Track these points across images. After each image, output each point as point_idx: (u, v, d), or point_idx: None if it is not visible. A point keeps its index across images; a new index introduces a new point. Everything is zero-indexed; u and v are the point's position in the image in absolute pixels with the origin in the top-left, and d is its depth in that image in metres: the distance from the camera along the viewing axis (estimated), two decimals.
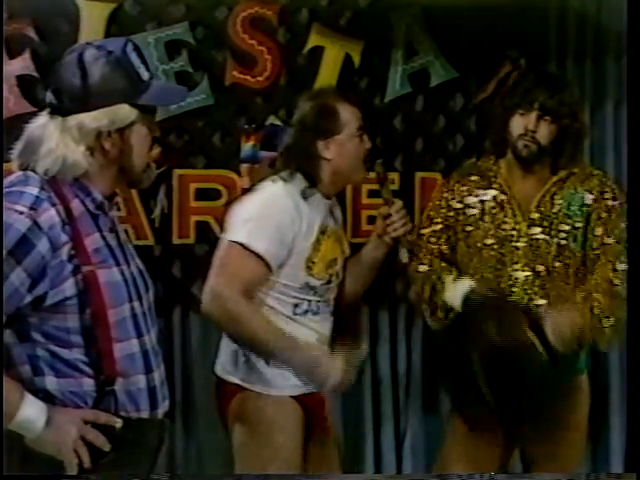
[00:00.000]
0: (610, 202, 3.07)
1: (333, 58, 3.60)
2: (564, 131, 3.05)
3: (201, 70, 3.51)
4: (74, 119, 2.16)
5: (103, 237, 2.22)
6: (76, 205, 2.18)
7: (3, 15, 3.37)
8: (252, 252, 2.84)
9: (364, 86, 3.66)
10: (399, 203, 3.08)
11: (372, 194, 3.60)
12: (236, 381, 2.96)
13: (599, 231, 3.07)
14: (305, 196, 2.94)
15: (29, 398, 2.10)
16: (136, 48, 2.24)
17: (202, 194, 3.53)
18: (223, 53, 3.55)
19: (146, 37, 3.47)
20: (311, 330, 2.98)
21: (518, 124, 3.05)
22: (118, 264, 2.23)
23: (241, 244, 2.84)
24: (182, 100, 2.56)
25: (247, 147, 3.56)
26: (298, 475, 2.95)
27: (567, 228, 3.07)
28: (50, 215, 2.11)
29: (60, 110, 2.18)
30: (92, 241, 2.18)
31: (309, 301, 2.97)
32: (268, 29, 3.56)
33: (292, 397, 2.97)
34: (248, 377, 2.94)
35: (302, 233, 2.91)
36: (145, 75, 2.23)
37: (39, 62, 3.44)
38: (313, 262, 2.94)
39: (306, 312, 2.97)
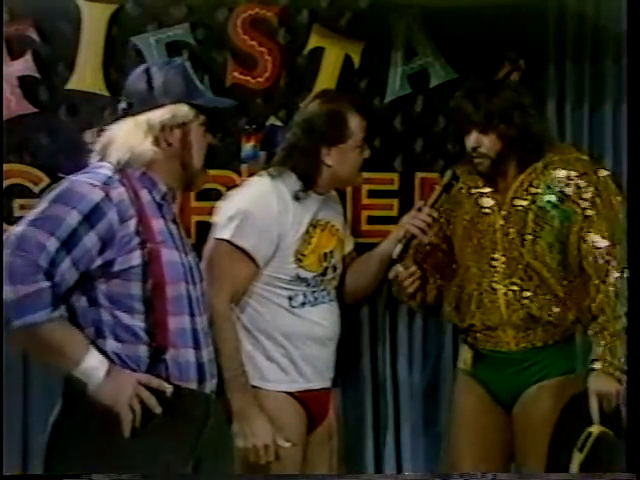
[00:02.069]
0: (590, 195, 3.04)
1: (333, 59, 3.61)
2: (507, 137, 3.02)
3: (202, 71, 3.52)
4: (142, 116, 2.47)
5: (166, 224, 2.47)
6: (144, 194, 2.44)
7: (4, 16, 3.40)
8: (239, 248, 2.88)
9: (364, 87, 3.68)
10: (435, 211, 3.08)
11: (372, 194, 3.62)
12: None
13: (590, 238, 3.04)
14: (298, 198, 2.96)
15: (93, 350, 2.33)
16: (192, 66, 2.61)
17: (203, 194, 3.54)
18: (224, 54, 3.58)
19: (147, 38, 3.50)
20: (316, 324, 2.98)
21: (467, 142, 3.06)
22: (178, 249, 2.47)
23: (228, 241, 2.88)
24: (230, 106, 2.79)
25: (247, 147, 3.58)
26: (298, 475, 2.96)
27: (540, 219, 3.06)
28: (120, 192, 2.38)
29: (131, 113, 2.49)
30: (157, 223, 2.43)
31: (304, 293, 2.98)
32: (268, 30, 3.58)
33: (293, 397, 2.97)
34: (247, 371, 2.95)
35: (289, 228, 2.93)
36: (201, 86, 2.59)
37: (40, 63, 3.47)
38: (303, 255, 2.95)
39: (303, 304, 2.98)
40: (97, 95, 3.55)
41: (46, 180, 3.55)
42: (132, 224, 2.37)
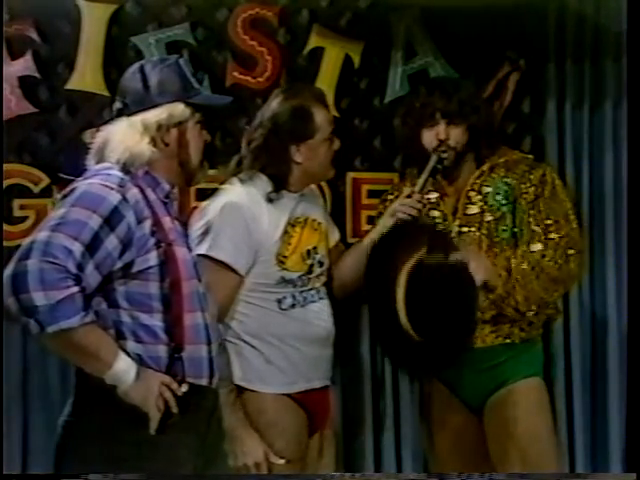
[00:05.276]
0: (534, 188, 3.12)
1: (333, 59, 3.62)
2: (474, 128, 3.12)
3: (202, 71, 3.53)
4: (138, 116, 2.49)
5: (172, 222, 2.52)
6: (149, 193, 2.48)
7: (4, 16, 3.41)
8: (217, 261, 2.86)
9: (364, 87, 3.68)
10: (424, 197, 3.08)
11: (372, 194, 3.62)
12: (235, 380, 2.97)
13: (526, 219, 3.11)
14: (271, 199, 2.95)
15: (122, 354, 2.37)
16: (187, 64, 2.61)
17: (203, 195, 3.54)
18: (224, 54, 3.59)
19: (147, 38, 3.51)
20: (308, 325, 2.99)
21: (429, 138, 3.12)
22: (185, 246, 2.54)
23: (205, 256, 2.84)
24: (226, 103, 2.77)
25: None
26: (298, 475, 2.97)
27: (493, 218, 3.12)
28: (134, 193, 2.42)
29: (126, 113, 2.51)
30: (166, 222, 2.48)
31: (292, 295, 2.98)
32: (268, 30, 3.59)
33: (293, 400, 2.98)
34: (245, 375, 2.95)
35: (265, 231, 2.93)
36: (196, 84, 2.59)
37: (41, 63, 3.47)
38: (285, 257, 2.95)
39: (293, 305, 2.98)
40: (97, 95, 3.55)
41: (46, 180, 3.55)
42: (147, 225, 2.41)
